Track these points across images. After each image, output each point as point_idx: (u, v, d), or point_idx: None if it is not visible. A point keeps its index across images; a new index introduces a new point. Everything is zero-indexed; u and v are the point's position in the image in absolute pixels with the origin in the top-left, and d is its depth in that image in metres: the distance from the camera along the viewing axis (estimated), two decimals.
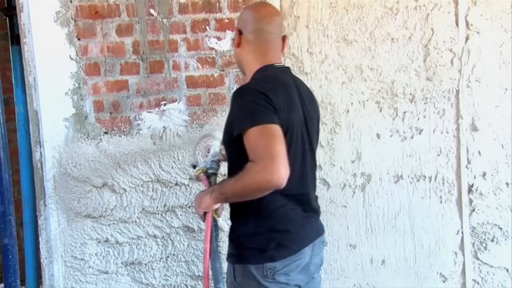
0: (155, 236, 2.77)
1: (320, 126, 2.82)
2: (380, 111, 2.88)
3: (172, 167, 2.73)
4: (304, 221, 1.83)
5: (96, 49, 2.69)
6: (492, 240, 2.97)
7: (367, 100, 2.86)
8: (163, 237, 2.77)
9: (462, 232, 2.96)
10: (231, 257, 1.82)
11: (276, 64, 1.88)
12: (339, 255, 2.91)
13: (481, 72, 2.90)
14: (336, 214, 2.89)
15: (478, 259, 2.98)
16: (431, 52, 2.86)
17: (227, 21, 2.72)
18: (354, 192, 2.89)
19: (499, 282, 2.99)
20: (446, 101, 2.90)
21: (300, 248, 1.79)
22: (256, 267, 1.75)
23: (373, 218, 2.91)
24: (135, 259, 2.77)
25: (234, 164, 1.76)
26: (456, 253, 2.96)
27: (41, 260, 2.75)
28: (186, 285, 2.80)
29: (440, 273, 2.97)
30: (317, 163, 2.82)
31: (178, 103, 2.75)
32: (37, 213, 2.75)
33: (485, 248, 2.97)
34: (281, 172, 1.59)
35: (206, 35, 2.73)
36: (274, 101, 1.68)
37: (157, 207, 2.75)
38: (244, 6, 2.66)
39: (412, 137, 2.90)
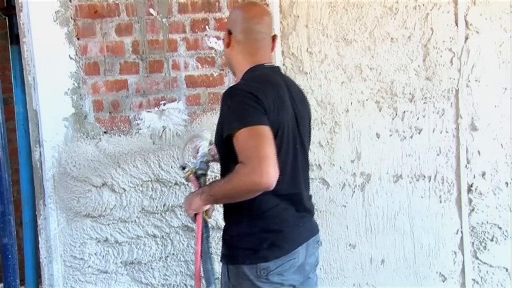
0: (154, 236, 2.77)
1: (320, 125, 2.86)
2: (380, 110, 2.88)
3: (171, 167, 2.73)
4: (297, 221, 1.82)
5: (96, 49, 2.69)
6: (492, 240, 2.97)
7: (367, 100, 2.86)
8: (162, 236, 2.77)
9: (462, 232, 2.96)
10: (225, 258, 1.82)
11: (266, 64, 1.87)
12: (338, 255, 2.92)
13: (480, 71, 2.90)
14: (335, 213, 2.89)
15: (477, 258, 2.98)
16: (431, 52, 2.86)
17: (226, 20, 2.71)
18: (354, 191, 2.89)
19: (498, 281, 2.99)
20: (445, 100, 2.90)
21: (294, 248, 1.78)
22: (249, 268, 1.74)
23: (373, 218, 2.92)
24: (135, 259, 2.77)
25: (226, 165, 1.76)
26: (455, 253, 2.96)
27: (41, 260, 2.75)
28: (185, 284, 2.80)
29: (440, 273, 2.97)
30: (317, 163, 2.85)
31: (178, 102, 2.75)
32: (36, 213, 2.75)
33: (485, 247, 2.98)
34: (270, 174, 1.59)
35: (206, 35, 2.73)
36: (263, 101, 1.68)
37: (156, 207, 2.75)
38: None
39: (411, 137, 2.90)
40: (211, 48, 2.73)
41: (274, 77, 1.84)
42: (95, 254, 2.75)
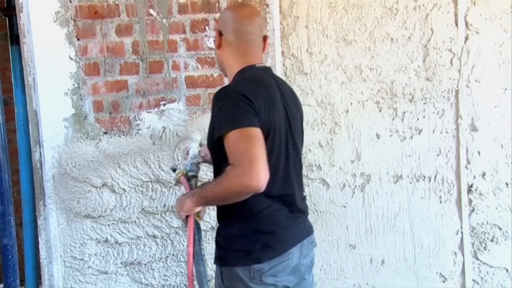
0: (154, 236, 2.77)
1: (320, 126, 2.86)
2: (380, 111, 2.88)
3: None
4: (290, 222, 1.81)
5: (96, 49, 2.69)
6: (492, 240, 2.97)
7: (367, 100, 2.86)
8: (162, 237, 2.77)
9: (462, 232, 2.96)
10: (218, 259, 1.81)
11: (257, 65, 1.86)
12: (338, 255, 2.91)
13: (480, 72, 2.90)
14: (335, 214, 2.89)
15: (477, 259, 2.98)
16: (431, 52, 2.86)
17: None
18: (354, 192, 2.89)
19: (498, 282, 2.99)
20: (445, 101, 2.90)
21: (287, 249, 1.77)
22: (242, 269, 1.73)
23: (373, 218, 2.91)
24: (135, 259, 2.77)
25: (219, 167, 1.74)
26: (455, 253, 2.96)
27: (41, 260, 2.75)
28: (185, 285, 2.80)
29: (440, 273, 2.97)
30: (317, 163, 2.85)
31: (178, 103, 2.75)
32: (36, 213, 2.75)
33: (485, 248, 2.97)
34: (260, 176, 1.58)
35: (206, 35, 2.73)
36: (254, 102, 1.67)
37: (156, 207, 2.75)
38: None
39: (411, 137, 2.90)
40: (211, 49, 2.73)
41: (265, 77, 1.84)
42: (95, 254, 2.75)
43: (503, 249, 2.97)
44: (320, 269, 2.90)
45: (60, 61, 2.66)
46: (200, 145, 2.21)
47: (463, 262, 2.96)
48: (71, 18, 2.66)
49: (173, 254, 2.78)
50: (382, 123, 2.88)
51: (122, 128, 2.73)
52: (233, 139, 1.62)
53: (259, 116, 1.67)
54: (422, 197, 2.93)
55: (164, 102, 2.74)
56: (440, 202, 2.94)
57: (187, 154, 2.16)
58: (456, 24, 2.87)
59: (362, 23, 2.83)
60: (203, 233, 2.72)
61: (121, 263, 2.76)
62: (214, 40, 1.91)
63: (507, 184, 2.95)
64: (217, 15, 2.71)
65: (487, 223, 2.97)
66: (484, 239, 2.97)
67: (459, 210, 2.94)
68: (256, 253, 1.73)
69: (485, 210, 2.96)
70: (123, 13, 2.69)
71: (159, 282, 2.79)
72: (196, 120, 2.75)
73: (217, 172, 1.78)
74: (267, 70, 1.91)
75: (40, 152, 2.69)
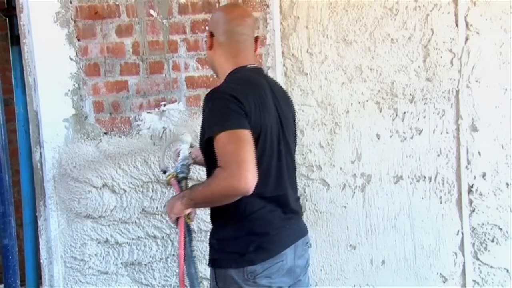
0: (155, 237, 2.77)
1: (320, 126, 2.86)
2: (380, 111, 2.88)
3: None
4: (283, 223, 1.80)
5: (96, 50, 2.69)
6: (492, 241, 2.97)
7: (367, 101, 2.86)
8: (163, 237, 2.77)
9: (462, 233, 2.95)
10: (212, 262, 1.81)
11: (248, 66, 1.85)
12: (339, 256, 2.91)
13: (481, 72, 2.90)
14: (336, 214, 2.89)
15: (478, 259, 2.97)
16: (431, 53, 2.86)
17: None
18: (354, 192, 2.89)
19: (499, 282, 2.99)
20: (446, 101, 2.90)
21: (281, 250, 1.76)
22: (236, 271, 1.73)
23: (373, 219, 2.91)
24: (135, 260, 2.77)
25: (211, 168, 1.73)
26: (456, 254, 2.96)
27: (41, 261, 2.75)
28: (185, 285, 2.79)
29: (440, 274, 2.96)
30: (318, 164, 2.85)
31: (178, 103, 2.75)
32: (37, 214, 2.75)
33: (485, 248, 2.97)
34: (248, 179, 1.58)
35: (206, 36, 2.73)
36: (244, 104, 1.67)
37: (157, 208, 2.75)
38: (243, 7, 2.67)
39: (412, 138, 2.90)
40: None
41: (256, 78, 1.83)
42: (95, 255, 2.75)
43: (503, 249, 2.97)
44: (321, 270, 2.90)
45: (60, 61, 2.66)
46: (191, 146, 2.21)
47: (464, 262, 2.96)
48: (72, 19, 2.66)
49: (173, 255, 2.78)
50: (382, 124, 2.88)
51: (122, 128, 2.73)
52: (222, 141, 1.62)
53: (250, 118, 1.67)
54: (422, 198, 2.92)
55: (165, 102, 2.74)
56: (441, 203, 2.94)
57: (178, 155, 2.16)
58: (457, 25, 2.87)
59: (362, 24, 2.83)
60: (203, 234, 2.74)
61: (121, 263, 2.76)
62: (205, 41, 1.91)
63: (507, 184, 2.95)
64: None
65: (488, 223, 2.97)
66: (484, 240, 2.97)
67: (459, 211, 2.94)
68: (249, 255, 1.72)
69: (486, 211, 2.96)
70: (124, 14, 2.69)
71: (159, 283, 2.79)
72: (197, 121, 2.75)
73: (210, 174, 1.77)
74: (259, 71, 1.91)
75: (41, 153, 2.69)
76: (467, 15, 2.87)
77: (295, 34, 2.80)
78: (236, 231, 1.75)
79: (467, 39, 2.88)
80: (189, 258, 1.90)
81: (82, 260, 2.74)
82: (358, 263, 2.93)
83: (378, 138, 2.89)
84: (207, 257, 1.86)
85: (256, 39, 1.91)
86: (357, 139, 2.87)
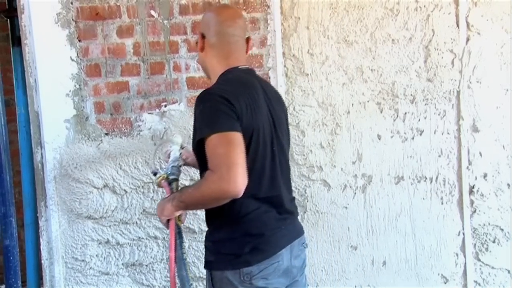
0: (156, 238, 2.77)
1: (321, 127, 2.86)
2: (381, 112, 2.87)
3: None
4: (278, 224, 1.80)
5: (97, 51, 2.69)
6: (494, 241, 2.97)
7: (368, 101, 2.86)
8: (164, 238, 2.77)
9: (463, 233, 2.95)
10: (208, 264, 1.80)
11: (240, 67, 1.85)
12: (340, 256, 2.91)
13: (482, 73, 2.90)
14: (337, 215, 2.89)
15: (479, 260, 2.97)
16: (432, 53, 2.86)
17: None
18: (355, 193, 2.89)
19: (500, 283, 2.98)
20: (447, 102, 2.89)
21: (276, 251, 1.76)
22: (232, 273, 1.72)
23: (374, 219, 2.91)
24: (136, 261, 2.77)
25: (204, 170, 1.73)
26: (457, 254, 2.96)
27: (42, 262, 2.75)
28: None
29: (441, 275, 2.96)
30: (319, 164, 2.85)
31: (179, 104, 2.75)
32: (38, 215, 2.75)
33: (486, 249, 2.97)
34: (237, 182, 1.58)
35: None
36: (235, 105, 1.66)
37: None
38: (241, 7, 2.68)
39: (413, 138, 2.90)
40: None
41: (248, 79, 1.83)
42: (96, 255, 2.75)
43: (504, 250, 2.97)
44: (322, 270, 2.89)
45: (61, 62, 2.66)
46: (181, 147, 2.21)
47: (465, 263, 2.96)
48: (72, 20, 2.66)
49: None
50: (383, 124, 2.88)
51: (123, 129, 2.73)
52: (212, 143, 1.62)
53: (241, 119, 1.67)
54: (423, 198, 2.92)
55: (165, 103, 2.74)
56: (442, 203, 2.93)
57: (168, 157, 2.15)
58: (458, 25, 2.87)
59: (363, 24, 2.83)
60: (203, 234, 2.73)
61: (122, 264, 2.76)
62: (196, 43, 1.91)
63: (508, 185, 2.95)
64: None
65: (489, 224, 2.96)
66: (485, 240, 2.97)
67: (460, 211, 2.94)
68: (245, 256, 1.72)
69: (487, 211, 2.95)
70: (124, 15, 2.70)
71: (160, 283, 2.79)
72: None
73: (203, 175, 1.77)
74: (251, 72, 1.90)
75: (42, 153, 2.69)
76: (468, 16, 2.87)
77: (296, 34, 2.80)
78: (231, 233, 1.75)
79: (468, 39, 2.88)
80: (180, 261, 1.90)
81: (83, 260, 2.74)
82: (359, 264, 2.92)
83: (379, 139, 2.89)
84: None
85: (247, 40, 1.91)
86: (358, 140, 2.87)
